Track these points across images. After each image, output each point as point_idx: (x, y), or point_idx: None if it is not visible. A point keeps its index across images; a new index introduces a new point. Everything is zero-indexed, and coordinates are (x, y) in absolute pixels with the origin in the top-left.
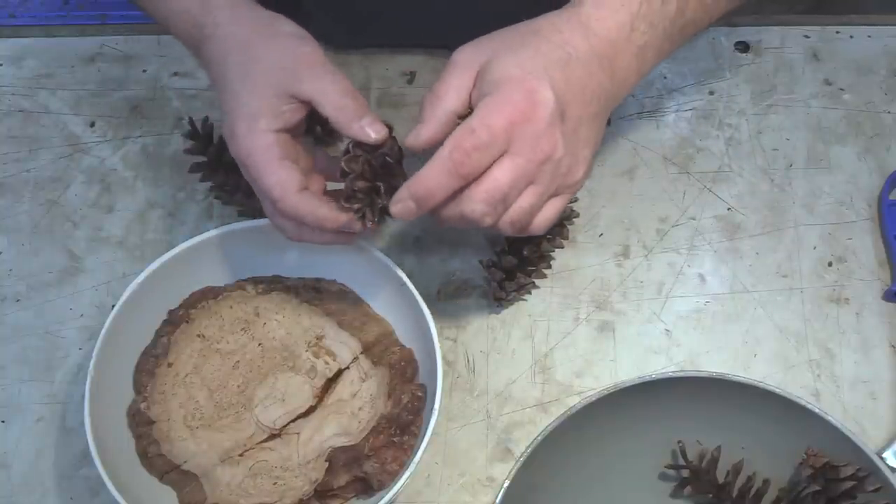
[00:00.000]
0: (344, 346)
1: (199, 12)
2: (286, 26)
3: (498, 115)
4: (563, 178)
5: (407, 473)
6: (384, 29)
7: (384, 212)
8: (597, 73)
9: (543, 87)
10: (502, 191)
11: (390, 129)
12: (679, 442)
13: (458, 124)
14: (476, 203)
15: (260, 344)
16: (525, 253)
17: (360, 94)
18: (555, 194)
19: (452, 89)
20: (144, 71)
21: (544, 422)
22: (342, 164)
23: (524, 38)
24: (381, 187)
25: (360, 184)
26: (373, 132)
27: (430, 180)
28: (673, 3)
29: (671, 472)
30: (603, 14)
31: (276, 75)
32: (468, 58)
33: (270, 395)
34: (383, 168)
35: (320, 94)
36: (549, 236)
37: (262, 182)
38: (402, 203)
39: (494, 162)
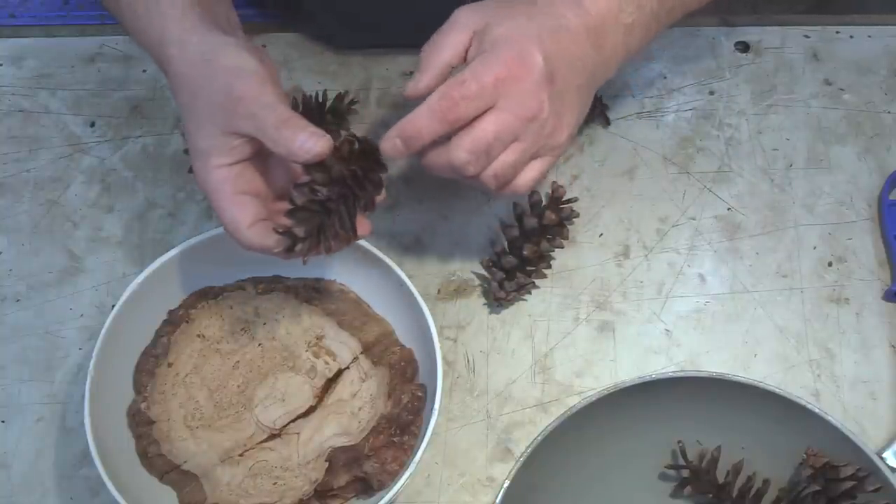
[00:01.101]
0: (344, 346)
1: (158, 45)
2: (226, 59)
3: (489, 70)
4: (547, 139)
5: (407, 473)
6: (385, 30)
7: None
8: (585, 46)
9: (534, 50)
10: (487, 141)
11: (354, 137)
12: (679, 442)
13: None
14: (461, 151)
15: (260, 344)
16: (525, 253)
17: (297, 115)
18: (537, 155)
19: (450, 43)
20: (144, 71)
21: (544, 422)
22: (292, 194)
23: (520, 9)
24: (337, 209)
25: (296, 219)
26: (312, 146)
27: (418, 121)
28: None
29: (671, 472)
30: None
31: (217, 115)
32: (467, 18)
33: (270, 395)
34: (353, 179)
35: (257, 131)
36: (549, 236)
37: (220, 219)
38: (391, 141)
39: (482, 115)
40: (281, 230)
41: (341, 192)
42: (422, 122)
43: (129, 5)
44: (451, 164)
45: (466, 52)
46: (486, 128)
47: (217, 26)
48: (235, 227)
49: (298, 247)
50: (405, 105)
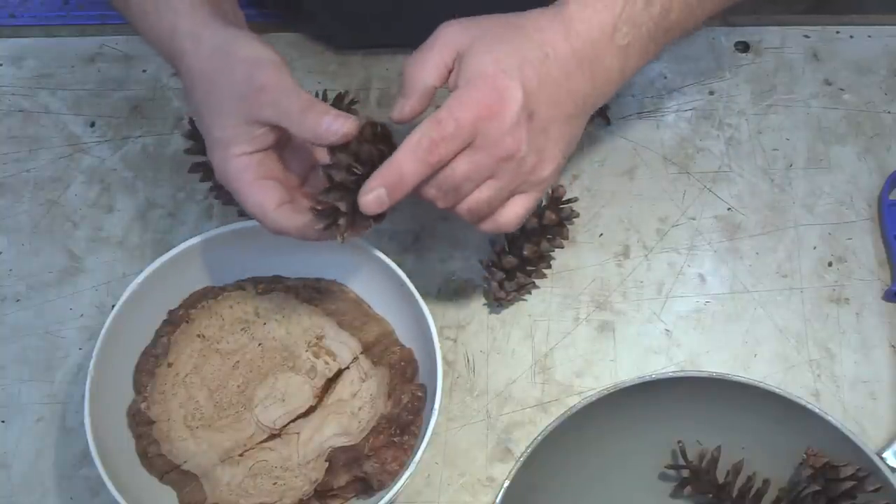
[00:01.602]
0: (344, 346)
1: (169, 40)
2: (244, 50)
3: (465, 109)
4: (527, 176)
5: (407, 473)
6: (386, 29)
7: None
8: (575, 74)
9: (514, 86)
10: (455, 181)
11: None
12: (679, 442)
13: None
14: (429, 187)
15: (260, 344)
16: (525, 253)
17: (319, 101)
18: (519, 191)
19: (433, 65)
20: (144, 71)
21: (544, 422)
22: (329, 173)
23: (506, 33)
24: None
25: (334, 196)
26: (339, 127)
27: (401, 167)
28: (657, 5)
29: (671, 472)
30: (586, 14)
31: (238, 106)
32: (452, 37)
33: (270, 395)
34: (379, 160)
35: (281, 118)
36: (549, 236)
37: (244, 206)
38: (372, 194)
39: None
40: (320, 207)
41: (370, 172)
42: (405, 167)
43: (138, 3)
44: (420, 195)
45: (449, 72)
46: (456, 167)
47: (227, 21)
48: (262, 210)
49: (341, 221)
50: None
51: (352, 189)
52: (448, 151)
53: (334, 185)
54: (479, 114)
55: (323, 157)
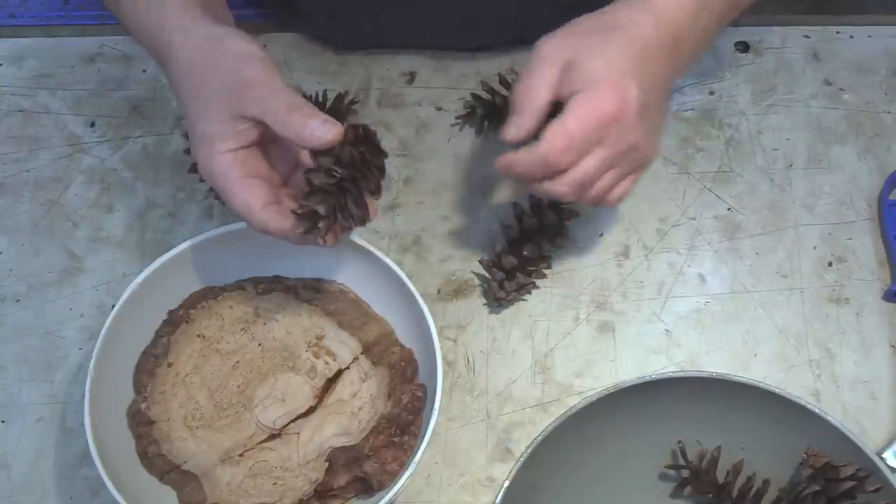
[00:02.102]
0: (344, 346)
1: (159, 34)
2: (233, 45)
3: (591, 115)
4: (641, 160)
5: (407, 473)
6: (382, 29)
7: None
8: (666, 60)
9: (630, 85)
10: (589, 178)
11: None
12: (679, 442)
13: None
14: (563, 186)
15: (260, 344)
16: (525, 253)
17: (307, 103)
18: (630, 173)
19: (544, 83)
20: (144, 71)
21: (544, 422)
22: (308, 177)
23: (607, 35)
24: (347, 196)
25: (314, 200)
26: (323, 133)
27: (523, 167)
28: None
29: (671, 472)
30: (672, 3)
31: (223, 99)
32: (554, 53)
33: (270, 395)
34: (361, 162)
35: (266, 114)
36: (549, 236)
37: (230, 204)
38: (502, 164)
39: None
40: (301, 211)
41: (352, 175)
42: (527, 168)
43: (129, 2)
44: (550, 194)
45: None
46: (588, 167)
47: (217, 19)
48: (248, 209)
49: (321, 224)
50: (405, 105)
51: (332, 192)
52: (572, 159)
53: (314, 189)
54: (604, 118)
55: (307, 157)
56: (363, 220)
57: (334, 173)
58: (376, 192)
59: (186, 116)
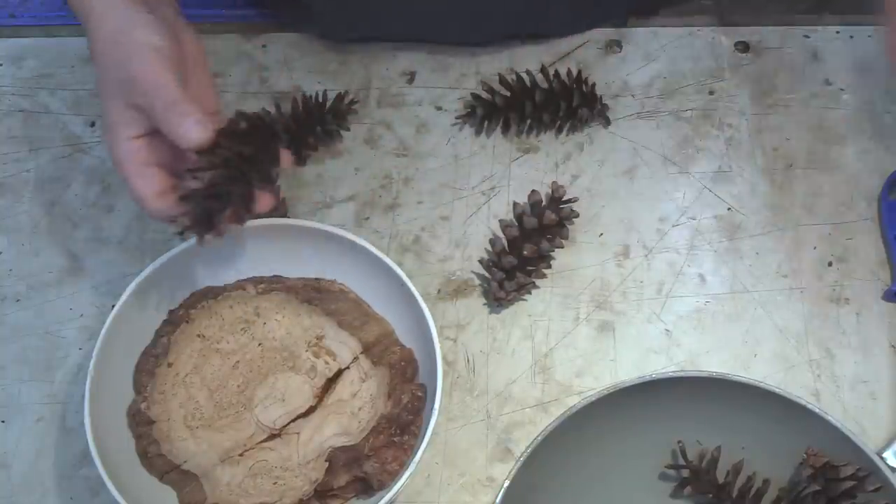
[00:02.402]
0: (344, 346)
1: (83, 15)
2: (135, 34)
3: None
4: None
5: (407, 473)
6: (383, 22)
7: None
8: None
9: None
10: None
11: (248, 121)
12: (679, 442)
13: None
14: None
15: (260, 344)
16: (525, 253)
17: (186, 100)
18: None
19: None
20: None
21: (544, 422)
22: (180, 183)
23: None
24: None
25: (191, 202)
26: (194, 135)
27: None
28: None
29: (671, 472)
30: None
31: (119, 87)
32: None
33: (270, 395)
34: (242, 159)
35: (148, 108)
36: (549, 236)
37: (130, 193)
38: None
39: None
40: (168, 221)
41: (231, 175)
42: None
43: None
44: None
45: None
46: None
47: (143, 3)
48: (141, 197)
49: (185, 233)
50: (405, 105)
51: (204, 196)
52: None
53: (187, 195)
54: None
55: None
56: (243, 220)
57: (201, 179)
58: (269, 181)
59: (100, 99)
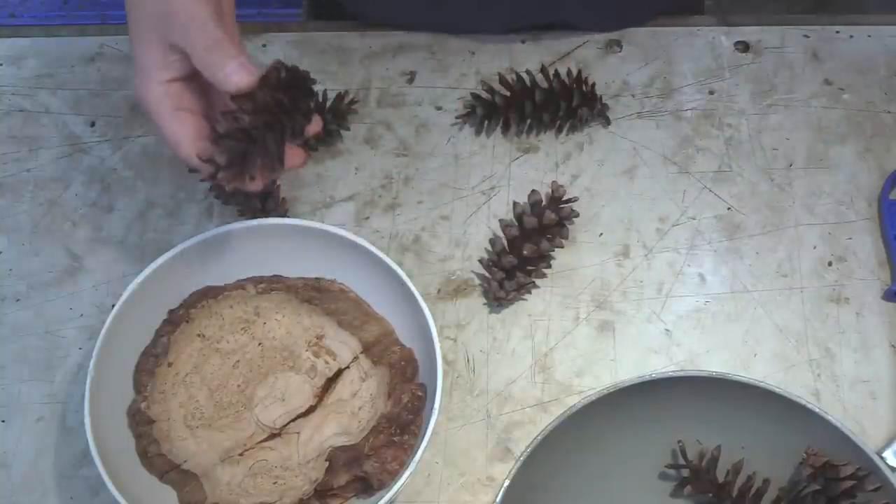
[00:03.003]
0: (344, 346)
1: None
2: None
3: None
4: None
5: (407, 473)
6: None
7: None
8: None
9: None
10: None
11: (284, 70)
12: (679, 442)
13: None
14: None
15: (260, 343)
16: (525, 253)
17: (228, 41)
18: None
19: None
20: None
21: (544, 421)
22: (216, 122)
23: None
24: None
25: (218, 148)
26: (238, 79)
27: None
28: None
29: (671, 471)
30: None
31: (157, 25)
32: None
33: (270, 394)
34: (279, 107)
35: (189, 47)
36: (549, 236)
37: (161, 134)
38: None
39: None
40: (204, 157)
41: (267, 121)
42: None
43: None
44: None
45: None
46: None
47: None
48: (177, 141)
49: (220, 174)
50: (405, 105)
51: (240, 139)
52: None
53: (221, 135)
54: None
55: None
56: (274, 170)
57: (241, 120)
58: (298, 136)
59: (130, 42)
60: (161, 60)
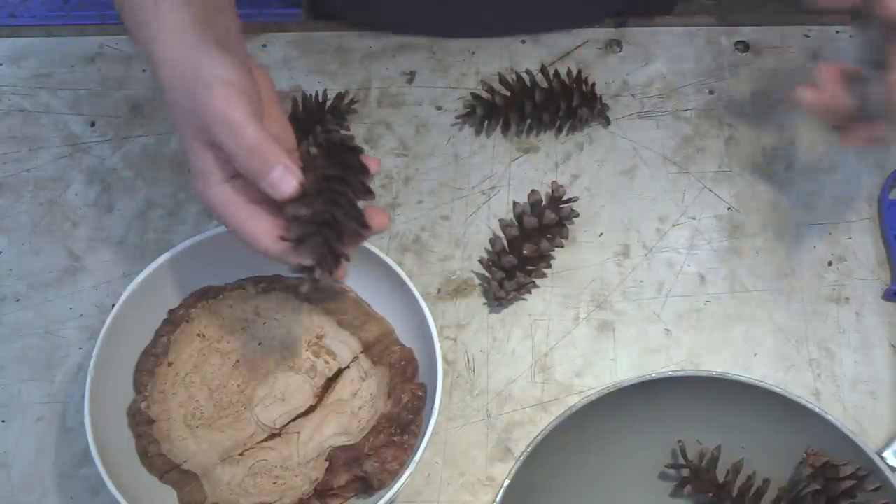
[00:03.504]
0: (344, 346)
1: (146, 41)
2: (207, 67)
3: None
4: None
5: (407, 473)
6: (381, 8)
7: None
8: None
9: None
10: None
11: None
12: (679, 442)
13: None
14: None
15: (260, 343)
16: (525, 253)
17: (269, 141)
18: None
19: None
20: (144, 70)
21: (544, 421)
22: (284, 233)
23: None
24: (336, 225)
25: (301, 252)
26: (282, 191)
27: None
28: None
29: (671, 471)
30: None
31: (197, 131)
32: None
33: (270, 394)
34: (337, 180)
35: (229, 153)
36: (549, 236)
37: (238, 235)
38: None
39: None
40: (296, 271)
41: (327, 200)
42: None
43: (130, 6)
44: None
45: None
46: None
47: (210, 34)
48: (254, 238)
49: (318, 275)
50: (405, 105)
51: (314, 233)
52: None
53: (296, 241)
54: None
55: None
56: (363, 236)
57: (302, 214)
58: (364, 192)
59: (180, 143)
60: (213, 163)
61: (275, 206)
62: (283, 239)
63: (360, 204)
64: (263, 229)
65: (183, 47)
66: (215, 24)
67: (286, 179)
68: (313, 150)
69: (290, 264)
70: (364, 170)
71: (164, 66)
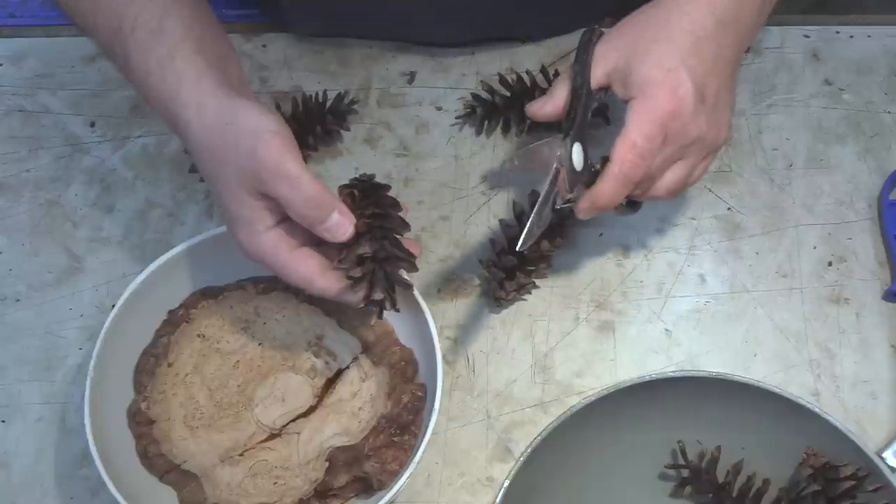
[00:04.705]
0: (344, 346)
1: (173, 107)
2: (247, 121)
3: (650, 122)
4: (709, 147)
5: (407, 473)
6: (350, 19)
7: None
8: (725, 41)
9: (684, 82)
10: (649, 175)
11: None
12: (679, 442)
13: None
14: (636, 189)
15: (260, 344)
16: (525, 253)
17: (323, 194)
18: (700, 161)
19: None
20: None
21: (544, 422)
22: (346, 272)
23: (656, 32)
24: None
25: (368, 287)
26: (340, 235)
27: (608, 193)
28: None
29: (671, 472)
30: None
31: (242, 180)
32: (605, 56)
33: (270, 394)
34: (381, 217)
35: (283, 200)
36: (549, 236)
37: (288, 280)
38: (586, 211)
39: None
40: (365, 304)
41: (376, 237)
42: (612, 193)
43: (140, 63)
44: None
45: (605, 87)
46: (654, 163)
47: (232, 87)
48: (307, 280)
49: (387, 306)
50: (405, 105)
51: (371, 269)
52: (647, 167)
53: (357, 280)
54: (663, 120)
55: None
56: (412, 264)
57: (359, 249)
58: (403, 226)
59: (213, 194)
60: (260, 211)
61: (315, 246)
62: (349, 279)
63: None
64: (311, 269)
65: (202, 92)
66: (227, 71)
67: (343, 225)
68: (354, 191)
69: (350, 301)
70: (398, 205)
71: (199, 122)
